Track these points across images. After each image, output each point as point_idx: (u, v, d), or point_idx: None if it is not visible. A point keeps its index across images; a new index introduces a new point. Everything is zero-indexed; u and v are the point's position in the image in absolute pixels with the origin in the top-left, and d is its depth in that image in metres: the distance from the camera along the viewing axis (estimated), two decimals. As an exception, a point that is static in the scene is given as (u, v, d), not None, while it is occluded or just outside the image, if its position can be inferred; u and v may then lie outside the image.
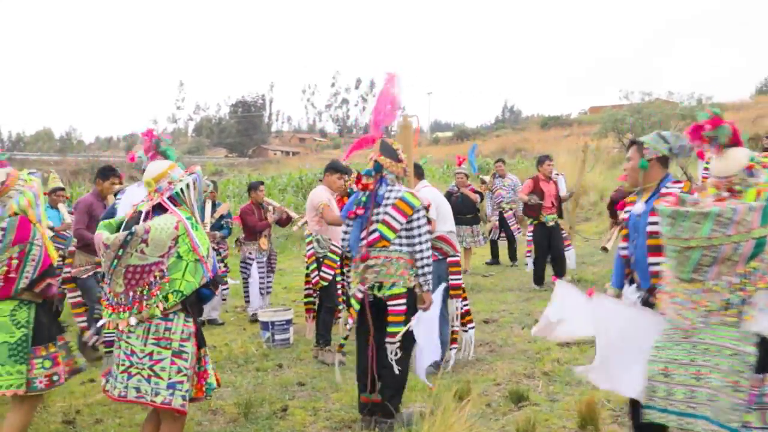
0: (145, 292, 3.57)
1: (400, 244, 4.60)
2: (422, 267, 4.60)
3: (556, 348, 6.42)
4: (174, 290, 3.58)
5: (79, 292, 6.20)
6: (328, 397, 5.50)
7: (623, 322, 3.69)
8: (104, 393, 3.84)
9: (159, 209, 3.74)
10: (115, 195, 6.56)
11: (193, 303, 3.70)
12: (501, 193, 12.04)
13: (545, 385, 5.45)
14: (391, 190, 4.66)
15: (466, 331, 6.12)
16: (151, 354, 3.59)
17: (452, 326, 5.93)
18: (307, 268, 6.84)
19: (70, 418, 5.17)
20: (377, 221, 4.62)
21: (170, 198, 3.76)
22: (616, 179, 8.36)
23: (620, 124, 26.64)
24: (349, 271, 7.45)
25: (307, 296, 7.00)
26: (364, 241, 4.65)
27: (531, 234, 9.72)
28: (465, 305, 6.10)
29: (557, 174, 10.23)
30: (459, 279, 5.96)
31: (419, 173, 6.22)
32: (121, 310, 3.61)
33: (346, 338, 4.94)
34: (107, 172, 6.57)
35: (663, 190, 3.77)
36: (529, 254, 10.07)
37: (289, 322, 7.32)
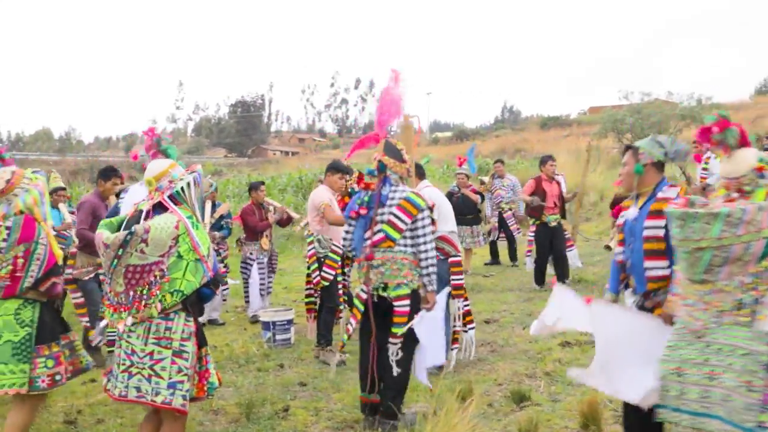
0: (145, 292, 3.56)
1: (405, 245, 4.60)
2: (427, 267, 4.60)
3: (557, 348, 6.42)
4: (174, 290, 3.57)
5: (80, 293, 6.20)
6: (329, 397, 5.50)
7: (621, 328, 3.69)
8: (105, 392, 3.83)
9: (159, 208, 3.73)
10: (118, 194, 6.57)
11: (194, 302, 3.69)
12: (500, 194, 12.05)
13: (547, 386, 5.45)
14: (395, 191, 4.66)
15: (466, 331, 6.12)
16: (151, 353, 3.58)
17: (454, 326, 5.93)
18: (308, 268, 6.84)
19: (72, 418, 5.17)
20: (382, 221, 4.62)
21: (171, 197, 3.75)
22: (613, 184, 8.34)
23: (620, 124, 26.62)
24: (350, 271, 7.46)
25: (308, 296, 7.00)
26: (369, 241, 4.64)
27: (533, 234, 9.71)
28: (466, 305, 6.10)
29: (557, 174, 10.23)
30: (460, 279, 5.96)
31: (420, 173, 6.22)
32: (121, 309, 3.61)
33: (348, 338, 4.94)
34: (109, 173, 6.57)
35: (659, 195, 3.78)
36: (529, 254, 10.06)
37: (290, 322, 7.32)
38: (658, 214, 3.70)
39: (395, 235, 4.57)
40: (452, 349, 5.90)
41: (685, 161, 4.71)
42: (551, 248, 9.55)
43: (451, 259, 5.89)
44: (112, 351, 4.17)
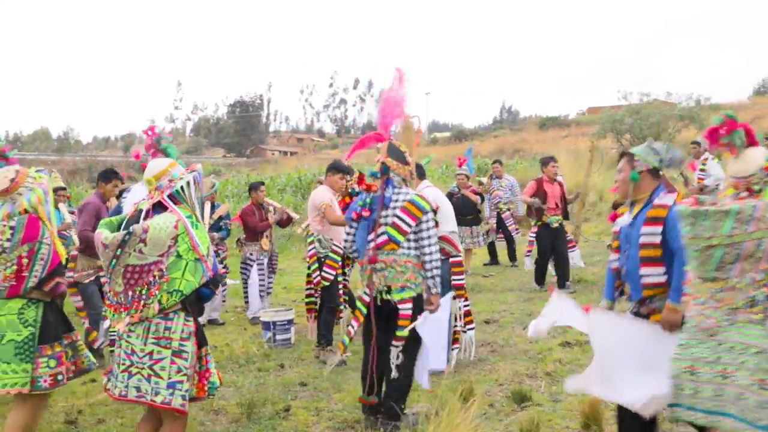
0: (144, 292, 3.55)
1: (409, 247, 4.60)
2: (431, 270, 4.60)
3: (558, 348, 6.43)
4: (173, 290, 3.56)
5: (80, 297, 6.20)
6: (330, 397, 5.50)
7: (620, 335, 3.70)
8: (105, 392, 3.83)
9: (159, 207, 3.72)
10: (120, 194, 6.57)
11: (193, 302, 3.69)
12: (498, 194, 12.07)
13: (548, 386, 5.45)
14: (398, 193, 4.66)
15: (464, 331, 6.12)
16: (151, 353, 3.57)
17: (454, 326, 5.93)
18: (309, 268, 6.84)
19: (72, 418, 5.17)
20: (385, 224, 4.61)
21: (170, 196, 3.74)
22: (608, 191, 8.35)
23: (619, 124, 26.64)
24: (350, 271, 7.45)
25: (308, 296, 6.99)
26: (372, 244, 4.64)
27: (534, 235, 9.71)
28: (466, 305, 6.10)
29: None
30: (461, 279, 5.96)
31: (421, 173, 6.22)
32: (121, 309, 3.60)
33: (350, 340, 4.93)
34: (109, 175, 6.57)
35: (656, 202, 3.77)
36: (528, 254, 10.07)
37: (290, 322, 7.32)
38: (654, 220, 3.70)
39: (399, 237, 4.56)
40: (453, 349, 5.90)
41: (680, 168, 4.71)
42: (553, 249, 9.54)
43: (452, 259, 5.89)
44: (113, 350, 4.16)
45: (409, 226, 4.56)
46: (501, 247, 12.33)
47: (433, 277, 4.61)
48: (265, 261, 8.67)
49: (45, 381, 4.02)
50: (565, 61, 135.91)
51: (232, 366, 6.53)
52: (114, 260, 3.55)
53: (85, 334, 6.23)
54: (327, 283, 6.67)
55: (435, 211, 4.73)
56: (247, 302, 8.85)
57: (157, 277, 3.55)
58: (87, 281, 6.27)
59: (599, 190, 17.55)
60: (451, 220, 5.98)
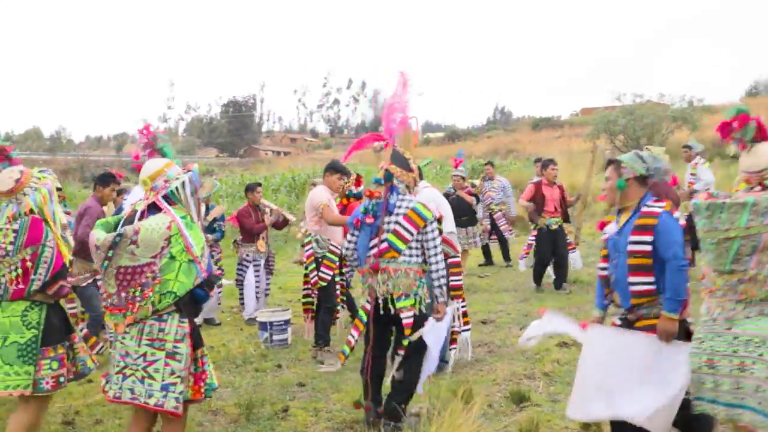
0: (137, 294, 3.54)
1: (410, 255, 4.60)
2: (437, 279, 4.61)
3: (555, 349, 6.44)
4: (167, 291, 3.55)
5: (74, 304, 6.16)
6: (328, 397, 5.49)
7: (619, 349, 3.71)
8: (103, 394, 3.81)
9: (155, 208, 3.71)
10: (119, 193, 6.55)
11: (187, 303, 3.66)
12: (491, 195, 12.11)
13: (546, 386, 5.47)
14: (402, 200, 4.66)
15: (459, 332, 6.13)
16: (144, 355, 3.56)
17: (452, 327, 5.94)
18: (306, 268, 6.83)
19: (70, 419, 5.15)
20: (388, 231, 4.61)
21: (165, 197, 3.72)
22: (596, 198, 8.34)
23: (612, 125, 26.72)
24: (348, 272, 7.44)
25: (305, 296, 6.99)
26: (374, 250, 4.64)
27: (533, 238, 9.72)
28: (463, 306, 6.11)
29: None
30: (459, 280, 5.97)
31: (419, 174, 6.22)
32: (116, 311, 3.59)
33: (351, 350, 4.91)
34: (107, 179, 6.55)
35: (643, 209, 3.77)
36: (524, 256, 10.08)
37: (287, 322, 7.30)
38: (643, 229, 3.70)
39: (400, 245, 4.56)
40: (451, 350, 5.91)
41: (665, 179, 4.75)
42: (553, 253, 9.50)
43: (450, 260, 5.90)
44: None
45: (411, 234, 4.56)
46: (495, 248, 12.37)
47: (440, 286, 4.62)
48: (262, 262, 8.65)
49: (47, 383, 4.00)
50: (557, 62, 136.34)
51: (229, 366, 6.52)
52: (106, 261, 3.54)
53: (84, 340, 6.21)
54: (324, 284, 6.66)
55: (439, 220, 4.72)
56: (242, 303, 8.82)
57: (150, 279, 3.53)
58: (85, 284, 6.24)
59: (593, 191, 17.58)
60: (450, 220, 5.99)
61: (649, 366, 3.63)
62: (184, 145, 60.09)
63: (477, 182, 12.57)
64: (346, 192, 7.28)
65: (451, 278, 5.91)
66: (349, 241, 4.89)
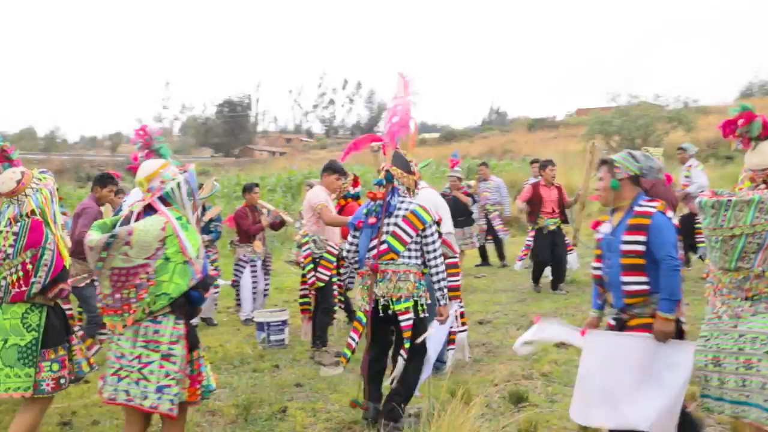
0: (132, 295, 3.53)
1: (409, 257, 4.60)
2: (438, 282, 4.62)
3: (553, 349, 6.44)
4: (161, 293, 3.54)
5: (70, 305, 6.15)
6: (326, 398, 5.49)
7: (619, 353, 3.71)
8: (99, 395, 3.81)
9: (151, 210, 3.71)
10: (116, 193, 6.54)
11: (182, 305, 3.66)
12: (486, 196, 12.14)
13: (544, 386, 5.48)
14: (402, 202, 4.66)
15: (457, 333, 6.13)
16: (139, 357, 3.56)
17: (450, 327, 5.94)
18: (303, 268, 6.83)
19: (67, 420, 5.16)
20: (387, 233, 4.61)
21: (161, 198, 3.72)
22: (590, 198, 8.33)
23: (607, 126, 26.79)
24: (346, 275, 7.42)
25: (302, 297, 6.98)
26: (374, 251, 4.64)
27: (530, 239, 9.72)
28: (460, 306, 6.11)
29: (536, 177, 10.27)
30: (457, 281, 5.97)
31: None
32: (111, 312, 3.59)
33: (352, 353, 4.90)
34: (106, 180, 6.53)
35: (636, 209, 3.78)
36: (522, 258, 10.09)
37: (284, 322, 7.30)
38: (636, 229, 3.70)
39: (399, 247, 4.57)
40: (448, 350, 5.91)
41: (658, 178, 4.76)
42: (552, 254, 9.48)
43: (447, 261, 5.89)
44: None
45: (410, 236, 4.56)
46: (491, 249, 12.40)
47: (440, 289, 4.63)
48: (259, 263, 8.64)
49: (47, 385, 4.00)
50: (553, 62, 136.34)
51: (226, 367, 6.51)
52: (100, 263, 3.53)
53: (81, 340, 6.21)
54: (322, 284, 6.66)
55: (438, 223, 4.73)
56: (238, 304, 8.81)
57: (144, 280, 3.52)
58: (82, 284, 6.23)
59: (591, 191, 17.63)
60: (448, 221, 5.99)
61: (648, 368, 3.64)
62: (179, 145, 59.95)
63: (472, 183, 12.59)
64: (344, 192, 7.27)
65: (450, 279, 5.91)
66: (351, 243, 4.89)
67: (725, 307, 3.44)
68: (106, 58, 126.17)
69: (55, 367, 4.05)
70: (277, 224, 8.82)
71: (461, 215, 11.01)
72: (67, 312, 5.95)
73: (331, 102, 76.96)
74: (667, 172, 8.74)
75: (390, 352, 4.94)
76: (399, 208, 4.63)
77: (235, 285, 8.75)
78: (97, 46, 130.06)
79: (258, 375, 6.21)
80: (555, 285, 9.48)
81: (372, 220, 4.68)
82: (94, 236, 3.57)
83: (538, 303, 8.79)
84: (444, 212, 5.97)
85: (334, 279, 6.87)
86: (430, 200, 5.45)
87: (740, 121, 3.59)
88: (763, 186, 3.51)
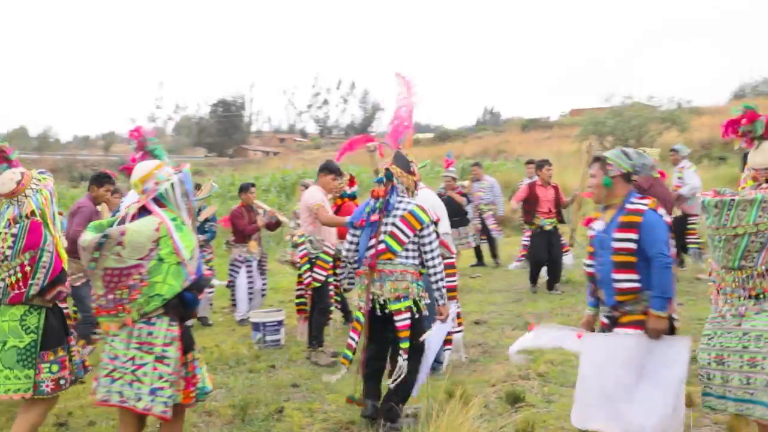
0: (125, 296, 3.52)
1: (406, 257, 4.61)
2: (437, 282, 4.62)
3: (549, 349, 6.44)
4: (155, 294, 3.53)
5: (66, 304, 6.13)
6: (323, 398, 5.49)
7: (617, 355, 3.71)
8: (92, 396, 3.80)
9: (146, 211, 3.70)
10: (112, 193, 6.51)
11: (176, 306, 3.64)
12: (479, 196, 12.16)
13: (540, 386, 5.49)
14: (401, 201, 4.67)
15: (453, 333, 6.14)
16: (133, 358, 3.55)
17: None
18: (300, 268, 6.82)
19: (63, 420, 5.14)
20: (385, 232, 4.61)
21: (156, 199, 3.71)
22: (582, 194, 8.35)
23: (601, 126, 26.86)
24: (343, 276, 7.43)
25: (298, 297, 6.97)
26: (372, 250, 4.64)
27: (527, 239, 9.73)
28: (457, 307, 6.11)
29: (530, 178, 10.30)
30: (454, 281, 5.98)
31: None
32: (104, 313, 3.58)
33: (354, 353, 4.88)
34: (102, 179, 6.51)
35: (628, 207, 3.79)
36: (520, 259, 10.10)
37: (280, 323, 7.30)
38: (628, 226, 3.71)
39: (396, 247, 4.57)
40: (445, 350, 5.92)
41: (651, 175, 4.78)
42: (549, 254, 9.50)
43: (444, 261, 5.90)
44: None
45: (407, 236, 4.57)
46: (486, 249, 12.41)
47: (439, 289, 4.63)
48: (255, 263, 8.62)
49: (47, 386, 4.00)
50: (546, 62, 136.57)
51: (222, 367, 6.50)
52: (93, 263, 3.53)
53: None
54: (318, 284, 6.65)
55: (436, 223, 4.74)
56: (233, 304, 8.79)
57: (138, 281, 3.51)
58: (78, 284, 6.21)
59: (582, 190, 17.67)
60: (445, 221, 6.00)
61: (644, 366, 3.65)
62: (172, 144, 59.81)
63: (466, 183, 12.62)
64: (341, 192, 7.27)
65: (447, 279, 5.91)
66: (350, 242, 4.88)
67: (728, 306, 3.46)
68: (99, 57, 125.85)
69: (55, 368, 4.04)
70: (273, 224, 8.81)
71: (456, 215, 11.01)
72: (64, 311, 5.95)
73: (325, 102, 76.88)
74: (661, 170, 8.77)
75: (389, 352, 4.94)
76: (397, 208, 4.64)
77: (231, 285, 8.73)
78: (91, 45, 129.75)
79: (254, 375, 6.20)
80: (551, 285, 9.50)
81: (375, 216, 4.67)
82: (87, 236, 3.57)
83: (533, 303, 8.80)
84: (441, 213, 5.97)
85: (331, 279, 6.87)
86: (428, 201, 5.45)
87: (744, 121, 3.61)
88: (765, 185, 3.53)
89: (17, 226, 3.93)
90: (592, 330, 4.00)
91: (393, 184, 4.71)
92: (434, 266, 4.62)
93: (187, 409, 4.38)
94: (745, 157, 4.46)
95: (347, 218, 5.39)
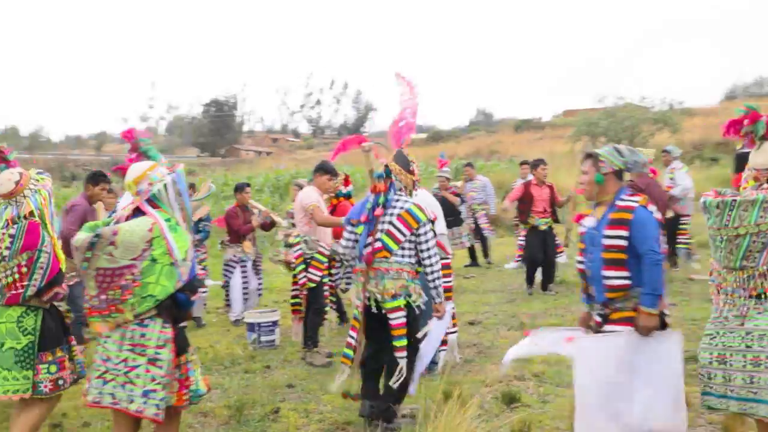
0: (117, 296, 3.51)
1: (402, 256, 4.61)
2: (433, 280, 4.62)
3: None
4: (147, 295, 3.52)
5: (61, 302, 6.11)
6: (319, 398, 5.48)
7: (608, 355, 3.70)
8: (83, 398, 3.77)
9: (140, 212, 3.69)
10: (107, 192, 6.48)
11: (169, 307, 3.63)
12: (472, 196, 12.20)
13: (536, 387, 5.49)
14: (398, 199, 4.67)
15: (448, 334, 6.14)
16: (125, 360, 3.54)
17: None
18: (294, 269, 6.81)
19: (57, 421, 5.10)
20: (381, 230, 4.61)
21: (149, 200, 3.70)
22: (575, 190, 8.38)
23: (594, 127, 26.97)
24: (338, 273, 7.43)
25: (293, 297, 6.96)
26: (369, 248, 4.64)
27: (522, 238, 9.74)
28: (452, 307, 6.12)
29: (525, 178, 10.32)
30: (449, 281, 5.98)
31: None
32: (96, 313, 3.56)
33: (354, 352, 4.85)
34: (97, 178, 6.47)
35: (618, 203, 3.79)
36: (518, 259, 10.11)
37: (275, 323, 7.29)
38: (618, 223, 3.71)
39: (393, 246, 4.57)
40: (440, 351, 5.92)
41: (643, 172, 4.79)
42: (544, 254, 9.49)
43: (441, 261, 5.90)
44: None
45: (404, 235, 4.57)
46: (478, 249, 12.45)
47: (435, 288, 4.64)
48: (249, 263, 8.61)
49: (45, 386, 3.99)
50: (539, 63, 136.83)
51: (217, 368, 6.49)
52: (85, 263, 3.51)
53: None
54: (313, 285, 6.64)
55: (432, 222, 4.74)
56: (228, 304, 8.77)
57: (130, 281, 3.50)
58: (72, 282, 6.17)
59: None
60: (440, 221, 5.99)
61: (638, 363, 3.65)
62: (165, 144, 59.59)
63: (459, 184, 12.65)
64: (336, 191, 7.26)
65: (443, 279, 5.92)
66: (347, 239, 4.88)
67: (729, 306, 3.48)
68: (91, 56, 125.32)
69: (53, 368, 4.03)
70: (268, 225, 8.78)
71: (450, 215, 11.03)
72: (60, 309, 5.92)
73: (318, 102, 76.76)
74: (652, 167, 8.79)
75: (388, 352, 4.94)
76: (394, 206, 4.64)
77: (225, 286, 8.71)
78: (83, 44, 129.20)
79: (249, 376, 6.19)
80: (545, 285, 9.52)
81: (379, 211, 4.66)
82: (80, 236, 3.55)
83: (527, 303, 8.82)
84: (437, 213, 5.98)
85: (326, 280, 6.86)
86: (425, 201, 5.45)
87: (746, 121, 3.63)
88: (767, 185, 3.55)
89: (15, 226, 3.91)
90: (589, 327, 3.99)
91: (391, 181, 4.71)
92: (431, 264, 4.62)
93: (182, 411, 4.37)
94: (737, 158, 4.49)
95: (343, 219, 5.39)
